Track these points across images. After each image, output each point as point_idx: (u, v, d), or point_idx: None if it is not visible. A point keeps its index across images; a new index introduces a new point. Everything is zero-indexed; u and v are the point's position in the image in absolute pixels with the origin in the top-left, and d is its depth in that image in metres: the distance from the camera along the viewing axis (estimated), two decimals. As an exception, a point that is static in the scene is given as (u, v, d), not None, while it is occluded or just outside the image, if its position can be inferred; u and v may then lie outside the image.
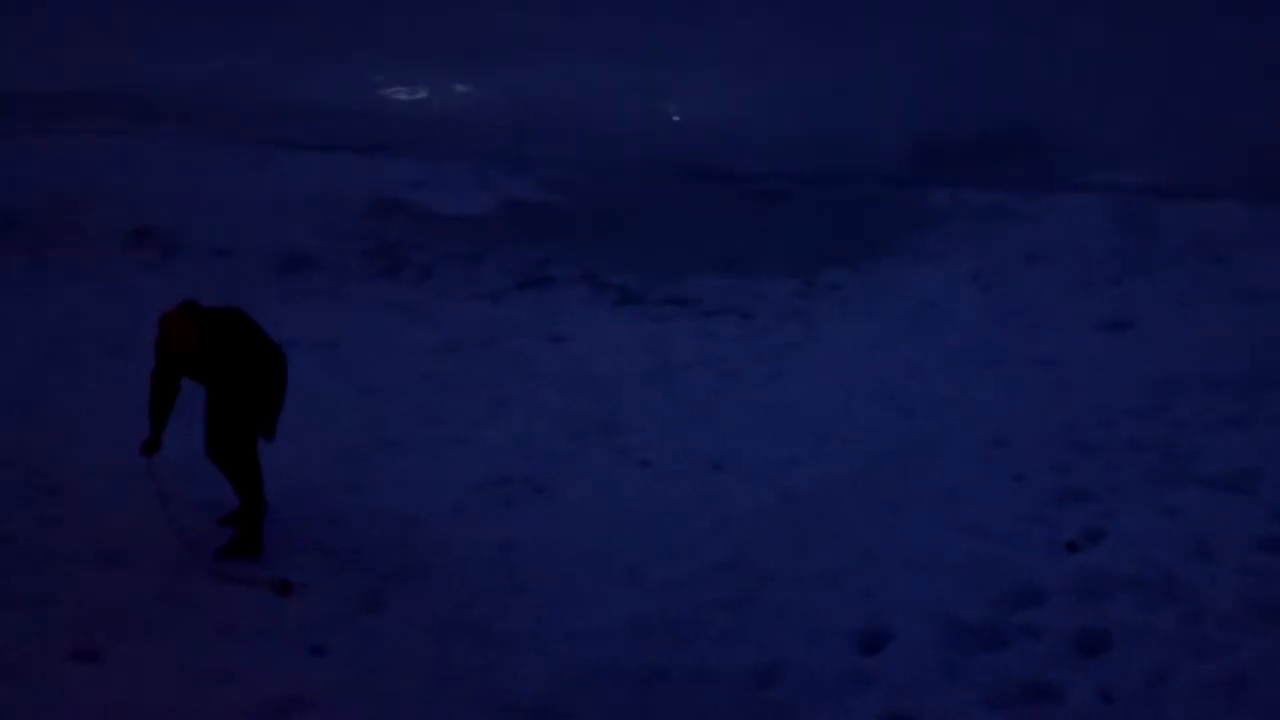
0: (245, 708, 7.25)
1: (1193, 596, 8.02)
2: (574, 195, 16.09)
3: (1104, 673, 7.38)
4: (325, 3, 22.10)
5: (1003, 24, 20.45)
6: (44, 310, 12.47)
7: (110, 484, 8.63)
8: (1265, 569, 8.27)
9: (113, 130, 17.51)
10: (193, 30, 21.08)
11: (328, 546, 8.86)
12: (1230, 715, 7.04)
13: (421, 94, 20.00)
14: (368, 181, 16.02)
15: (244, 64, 20.04)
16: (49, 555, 8.56)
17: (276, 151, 17.07)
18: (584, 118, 18.71)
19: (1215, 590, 8.06)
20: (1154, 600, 8.01)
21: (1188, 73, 18.91)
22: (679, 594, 8.32)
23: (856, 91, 19.32)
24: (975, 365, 11.57)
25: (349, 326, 12.50)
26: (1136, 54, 19.63)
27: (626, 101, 19.19)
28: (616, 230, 15.10)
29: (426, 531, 9.10)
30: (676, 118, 19.15)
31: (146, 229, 14.38)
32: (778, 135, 18.00)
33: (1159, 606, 7.95)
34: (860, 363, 11.83)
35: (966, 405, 10.80)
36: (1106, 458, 9.83)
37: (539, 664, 7.62)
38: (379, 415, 10.80)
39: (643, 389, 11.42)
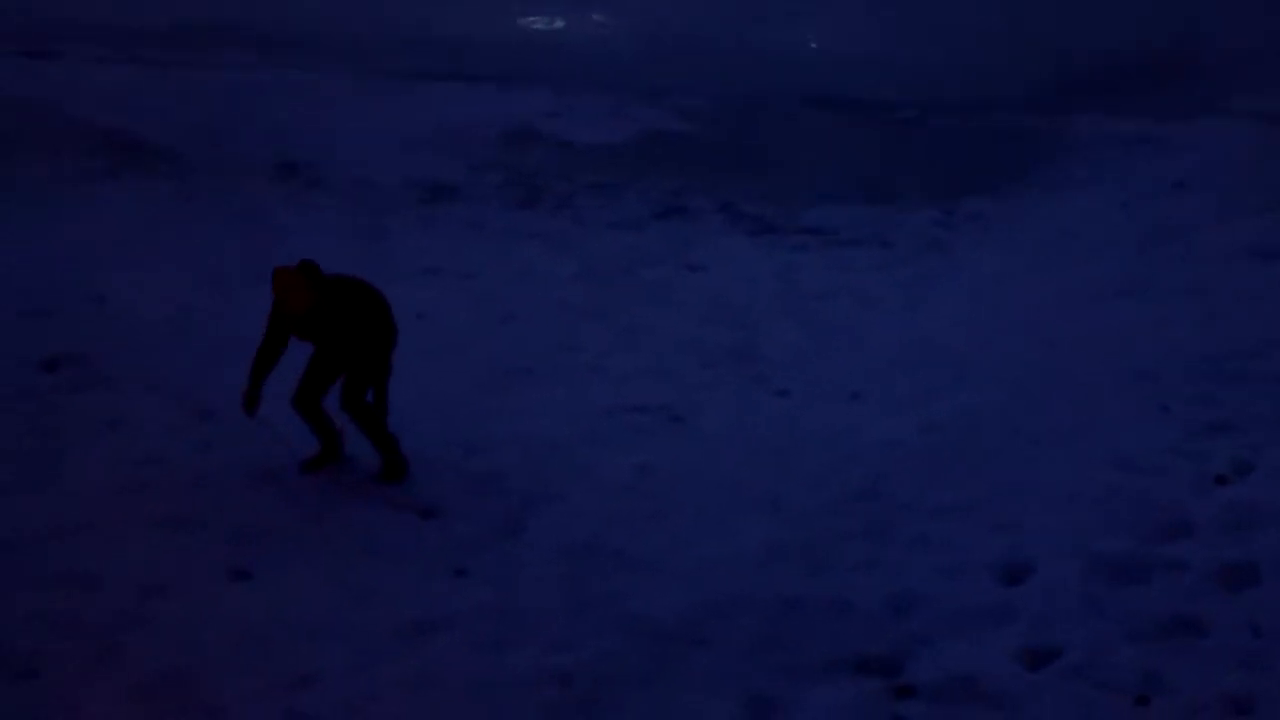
0: (391, 626, 7.40)
1: (1346, 530, 7.82)
2: (710, 125, 16.04)
3: (1252, 607, 7.23)
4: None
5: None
6: (191, 240, 12.75)
7: (259, 407, 8.83)
8: None
9: (254, 64, 17.80)
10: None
11: (468, 472, 8.98)
12: (1384, 652, 6.87)
13: (558, 24, 20.03)
14: (505, 112, 16.13)
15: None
16: (202, 477, 8.79)
17: (414, 83, 17.23)
18: (720, 47, 18.60)
19: (1369, 524, 7.86)
20: (1304, 534, 7.82)
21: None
22: (816, 523, 8.31)
23: (998, 18, 18.96)
24: (1120, 296, 11.36)
25: (488, 256, 12.62)
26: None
27: (763, 30, 19.04)
28: (753, 160, 15.04)
29: (564, 457, 9.19)
30: (814, 45, 18.96)
31: (290, 161, 14.63)
32: (917, 63, 17.75)
33: (1309, 540, 7.77)
34: (1001, 293, 11.67)
35: (1111, 336, 10.60)
36: (1255, 389, 9.58)
37: (676, 588, 7.66)
38: (518, 343, 10.90)
39: (779, 318, 11.39)
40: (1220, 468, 8.58)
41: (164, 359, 10.31)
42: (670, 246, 12.85)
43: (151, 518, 8.37)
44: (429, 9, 19.62)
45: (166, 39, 18.63)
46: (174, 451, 9.13)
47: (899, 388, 10.06)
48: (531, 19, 20.12)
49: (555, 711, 6.79)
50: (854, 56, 18.30)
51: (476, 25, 19.23)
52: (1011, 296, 11.52)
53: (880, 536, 8.12)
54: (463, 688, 6.94)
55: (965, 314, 11.25)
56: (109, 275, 11.78)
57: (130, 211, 13.45)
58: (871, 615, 7.42)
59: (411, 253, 12.56)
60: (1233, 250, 12.18)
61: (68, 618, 7.38)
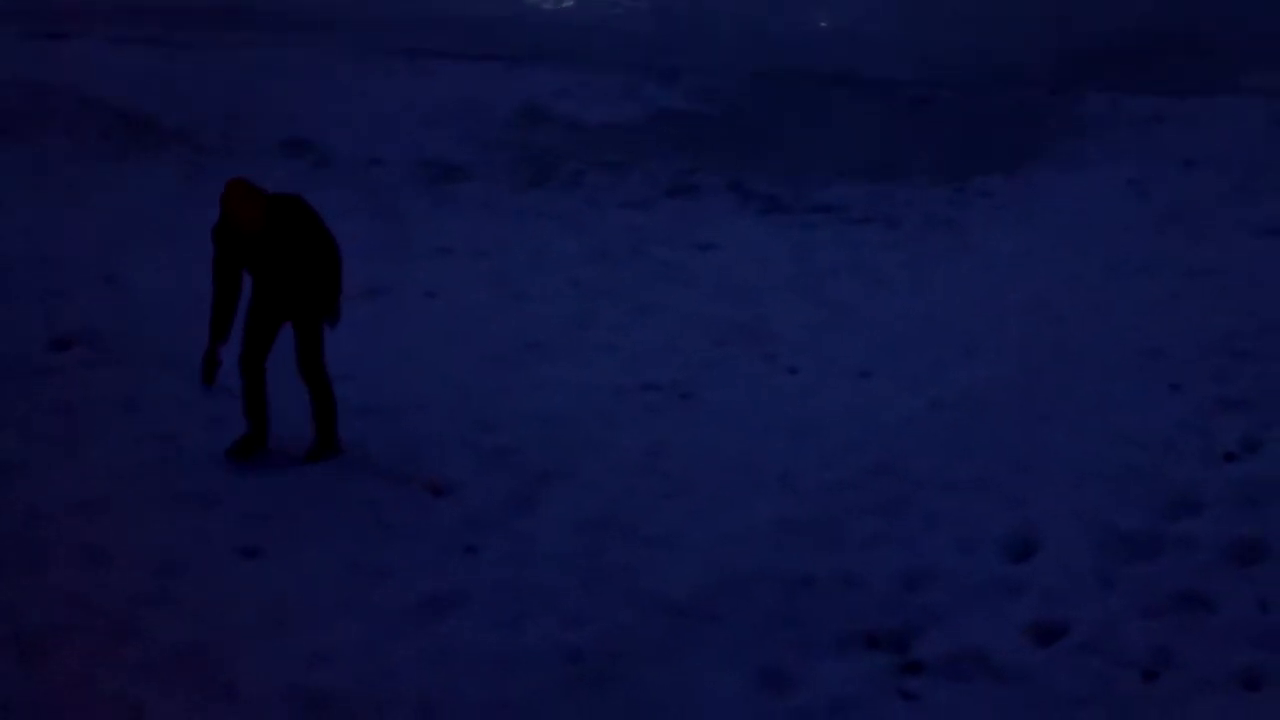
0: (402, 603, 7.42)
1: (1356, 507, 7.83)
2: (720, 104, 16.02)
3: (1261, 583, 7.25)
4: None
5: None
6: (202, 219, 12.69)
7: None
8: None
9: (263, 43, 17.79)
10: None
11: (479, 448, 9.00)
12: (1394, 628, 6.88)
13: (567, 2, 20.00)
14: (515, 91, 16.10)
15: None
16: (213, 455, 8.83)
17: (424, 62, 17.21)
18: (730, 26, 18.58)
19: (1380, 501, 7.86)
20: (1315, 510, 7.83)
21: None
22: (828, 499, 8.32)
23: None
24: (1131, 274, 11.36)
25: (499, 235, 12.64)
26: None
27: (773, 8, 19.01)
28: (763, 138, 15.02)
29: (575, 434, 9.20)
30: (824, 24, 18.92)
31: (300, 140, 14.62)
32: (927, 41, 17.70)
33: (1320, 516, 7.78)
34: (1012, 271, 11.67)
35: (1122, 315, 10.61)
36: (1266, 366, 9.61)
37: (690, 564, 7.68)
38: (529, 322, 10.92)
39: (789, 296, 11.39)
40: (1230, 444, 8.61)
41: (175, 338, 10.30)
42: (681, 225, 12.86)
43: (165, 495, 8.42)
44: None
45: (180, 19, 18.62)
46: (186, 429, 9.16)
47: (910, 365, 10.07)
48: (541, -3, 20.13)
49: (569, 687, 6.82)
50: (864, 34, 18.27)
51: (486, 3, 19.21)
52: (1023, 274, 11.52)
53: (891, 512, 8.14)
54: (477, 663, 6.97)
55: (976, 292, 11.25)
56: (120, 255, 11.81)
57: (141, 191, 13.47)
58: (883, 590, 7.44)
59: (423, 232, 12.58)
60: (1245, 228, 12.17)
61: (82, 595, 7.43)
